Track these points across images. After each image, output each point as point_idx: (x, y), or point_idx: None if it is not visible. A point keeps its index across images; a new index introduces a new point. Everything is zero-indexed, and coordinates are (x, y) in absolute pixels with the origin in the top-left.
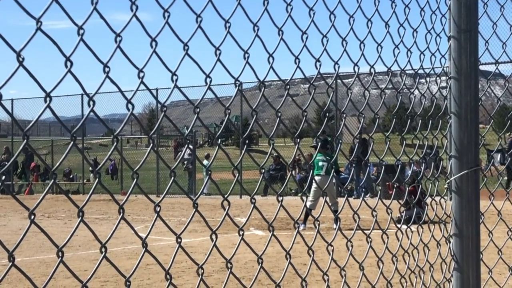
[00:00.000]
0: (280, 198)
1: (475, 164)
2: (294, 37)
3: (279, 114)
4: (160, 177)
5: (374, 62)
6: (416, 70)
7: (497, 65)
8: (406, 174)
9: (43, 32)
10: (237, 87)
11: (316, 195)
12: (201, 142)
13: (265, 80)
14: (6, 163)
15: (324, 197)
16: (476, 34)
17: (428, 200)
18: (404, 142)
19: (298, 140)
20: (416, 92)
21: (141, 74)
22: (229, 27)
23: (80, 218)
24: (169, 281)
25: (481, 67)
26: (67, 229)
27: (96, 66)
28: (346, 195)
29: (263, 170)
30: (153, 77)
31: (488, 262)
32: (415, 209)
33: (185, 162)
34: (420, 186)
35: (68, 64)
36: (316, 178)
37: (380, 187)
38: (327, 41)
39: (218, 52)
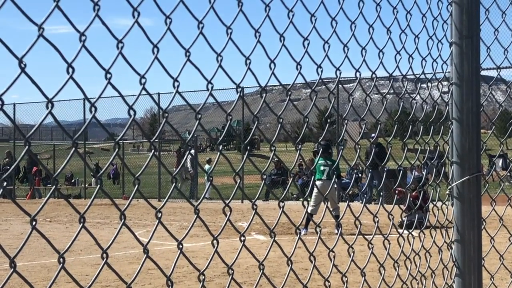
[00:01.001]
0: (281, 204)
1: (477, 170)
2: (296, 43)
3: (281, 120)
4: (162, 182)
5: (375, 68)
6: (418, 76)
7: (498, 70)
8: (408, 180)
9: (45, 39)
10: (238, 93)
11: (318, 200)
12: (203, 147)
13: (267, 85)
14: (8, 167)
15: (326, 202)
16: (477, 40)
17: (430, 205)
18: (406, 147)
19: (300, 146)
20: (418, 97)
21: (143, 80)
22: (231, 33)
23: (81, 224)
24: (170, 286)
25: (483, 72)
26: (68, 234)
27: (98, 70)
28: (348, 200)
29: (265, 176)
30: (155, 82)
31: (489, 267)
32: (417, 215)
33: (190, 171)
34: (422, 191)
35: (70, 70)
36: (317, 182)
37: (382, 193)
38: (329, 47)
39: (219, 58)
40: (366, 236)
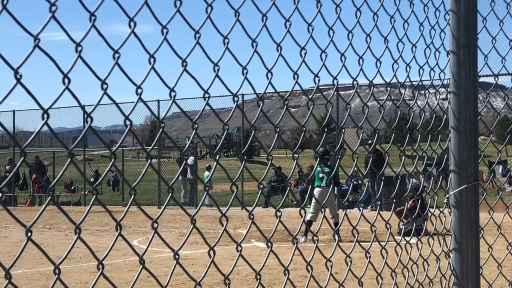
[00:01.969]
0: (278, 214)
1: (475, 178)
2: (293, 52)
3: (278, 129)
4: (162, 189)
5: (373, 77)
6: (415, 85)
7: (496, 78)
8: (406, 188)
9: (41, 50)
10: (235, 102)
11: (317, 207)
12: (203, 153)
13: (266, 92)
14: (9, 174)
15: (324, 211)
16: (475, 49)
17: (428, 213)
18: (404, 156)
19: (297, 155)
20: (416, 106)
21: (139, 91)
22: (228, 43)
23: (77, 235)
24: None
25: (481, 79)
26: (68, 241)
27: (95, 78)
28: (346, 208)
29: (261, 186)
30: (155, 88)
31: (488, 276)
32: (414, 223)
33: (189, 178)
34: (420, 199)
35: (66, 81)
36: (316, 189)
37: (380, 200)
38: (326, 56)
39: (216, 68)
40: (365, 244)
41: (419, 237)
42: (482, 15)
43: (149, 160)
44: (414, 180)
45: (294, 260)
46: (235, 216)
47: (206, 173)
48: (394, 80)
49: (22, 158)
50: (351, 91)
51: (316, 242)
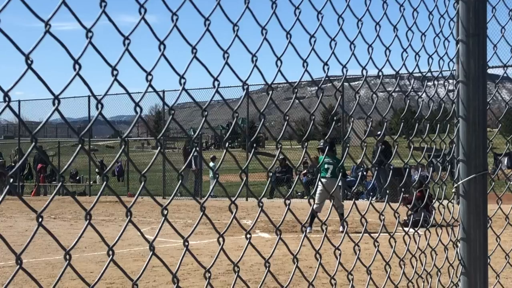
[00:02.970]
0: (287, 202)
1: (483, 168)
2: (302, 40)
3: (287, 117)
4: (167, 179)
5: (382, 66)
6: (424, 74)
7: (505, 68)
8: (413, 179)
9: (52, 35)
10: (245, 90)
11: (322, 197)
12: (208, 144)
13: (272, 83)
14: (14, 164)
15: (332, 200)
16: (484, 38)
17: (436, 204)
18: (412, 145)
19: (306, 144)
20: (424, 95)
21: (149, 77)
22: (237, 30)
23: (87, 221)
24: (176, 284)
25: (489, 71)
26: (73, 231)
27: (104, 67)
28: (354, 198)
29: (271, 174)
30: (159, 79)
31: (495, 266)
32: (422, 213)
33: (193, 169)
34: (428, 190)
35: (77, 67)
36: (322, 180)
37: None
38: (335, 44)
39: (226, 55)
40: (372, 234)
41: (427, 227)
42: (491, 4)
43: (158, 147)
44: (421, 171)
45: (298, 251)
46: (239, 207)
47: (211, 164)
48: (403, 70)
49: (33, 144)
50: (357, 82)
51: (325, 230)
